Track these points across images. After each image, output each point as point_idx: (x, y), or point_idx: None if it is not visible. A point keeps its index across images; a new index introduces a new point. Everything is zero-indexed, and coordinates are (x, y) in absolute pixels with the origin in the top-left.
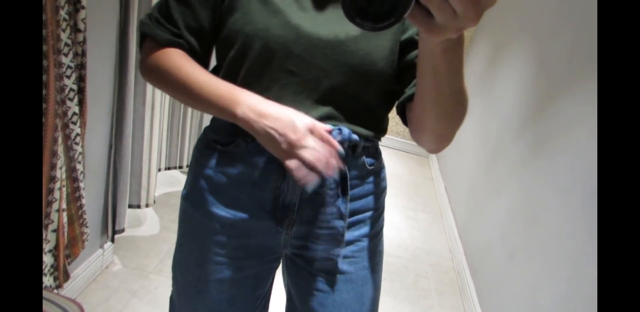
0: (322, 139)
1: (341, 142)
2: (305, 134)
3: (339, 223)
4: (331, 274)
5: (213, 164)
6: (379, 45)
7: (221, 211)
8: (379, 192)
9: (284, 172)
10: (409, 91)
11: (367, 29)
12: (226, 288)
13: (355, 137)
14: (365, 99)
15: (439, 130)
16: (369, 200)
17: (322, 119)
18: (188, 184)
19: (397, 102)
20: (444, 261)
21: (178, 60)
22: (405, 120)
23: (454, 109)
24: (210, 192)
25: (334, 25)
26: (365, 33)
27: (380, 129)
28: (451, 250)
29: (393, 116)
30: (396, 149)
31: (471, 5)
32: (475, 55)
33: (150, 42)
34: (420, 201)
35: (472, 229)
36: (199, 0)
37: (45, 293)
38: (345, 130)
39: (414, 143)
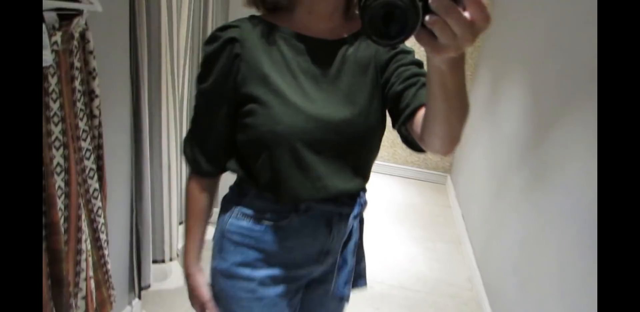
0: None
1: (359, 212)
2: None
3: (352, 260)
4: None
5: (267, 238)
6: (371, 110)
7: (275, 272)
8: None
9: (331, 226)
10: (406, 113)
11: (382, 45)
12: None
13: (365, 198)
14: (369, 160)
15: (451, 133)
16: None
17: (355, 190)
18: (230, 259)
19: (396, 126)
20: (463, 291)
21: (188, 208)
22: (405, 140)
23: (461, 113)
24: (264, 261)
25: (338, 107)
26: (363, 106)
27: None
28: (470, 279)
29: (405, 147)
30: (412, 179)
31: (468, 28)
32: (478, 87)
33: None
34: (439, 231)
35: (489, 257)
36: (211, 129)
37: None
38: (364, 199)
39: (430, 171)
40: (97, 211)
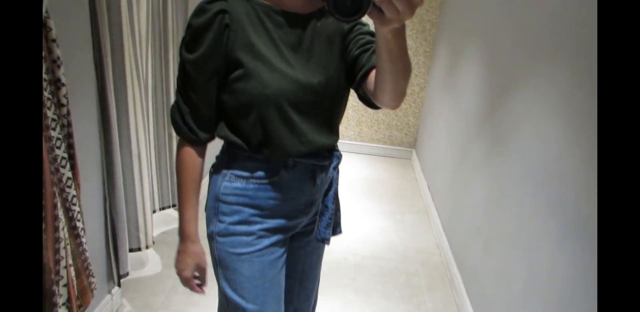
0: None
1: (337, 164)
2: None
3: (332, 206)
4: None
5: (260, 195)
6: (340, 74)
7: (269, 224)
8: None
9: (315, 178)
10: (361, 73)
11: (345, 22)
12: (275, 265)
13: (340, 152)
14: (339, 118)
15: (397, 89)
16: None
17: (332, 144)
18: (227, 220)
19: (354, 85)
20: (432, 256)
21: (184, 177)
22: (361, 98)
23: (405, 72)
24: (259, 216)
25: (315, 72)
26: (333, 71)
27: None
28: (439, 246)
29: (371, 125)
30: (379, 156)
31: (407, 5)
32: (437, 62)
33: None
34: (406, 203)
35: (455, 223)
36: (202, 97)
37: None
38: (339, 152)
39: (396, 147)
40: (71, 200)
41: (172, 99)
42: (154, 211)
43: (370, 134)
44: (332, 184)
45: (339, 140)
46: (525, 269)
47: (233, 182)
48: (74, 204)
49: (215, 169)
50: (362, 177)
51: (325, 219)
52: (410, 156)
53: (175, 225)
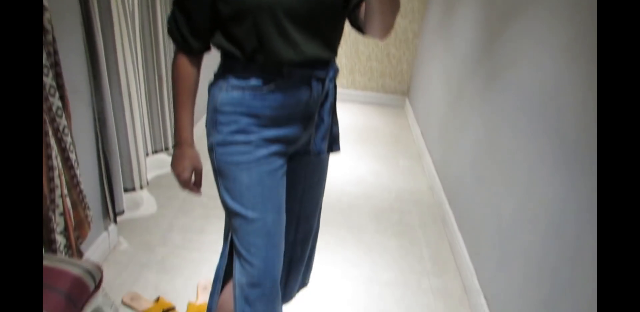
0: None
1: (333, 76)
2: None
3: (328, 118)
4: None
5: (257, 104)
6: None
7: (266, 134)
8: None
9: (311, 88)
10: (354, 2)
11: None
12: (274, 175)
13: (337, 65)
14: (336, 37)
15: (385, 24)
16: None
17: (327, 57)
18: (225, 130)
19: (348, 12)
20: (425, 197)
21: (178, 84)
22: (353, 23)
23: (392, 8)
24: (256, 125)
25: None
26: None
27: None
28: (431, 187)
29: (364, 73)
30: (372, 104)
31: None
32: (431, 7)
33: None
34: (400, 149)
35: (448, 165)
36: (196, 4)
37: (69, 259)
38: (335, 65)
39: (389, 95)
40: (63, 130)
41: (161, 37)
42: (147, 154)
43: (363, 82)
44: (329, 96)
45: None
46: (517, 197)
47: (230, 92)
48: (66, 135)
49: (213, 84)
50: (355, 125)
51: (321, 131)
52: (403, 104)
53: (169, 169)
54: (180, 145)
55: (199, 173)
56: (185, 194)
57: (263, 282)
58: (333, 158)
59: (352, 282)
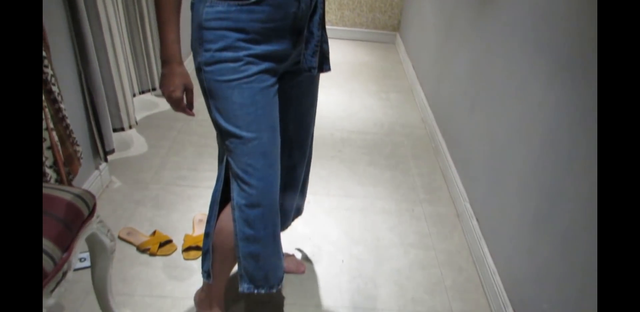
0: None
1: None
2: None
3: (318, 32)
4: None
5: (243, 17)
6: None
7: (255, 50)
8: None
9: (299, 2)
10: None
11: None
12: (267, 93)
13: None
14: None
15: None
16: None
17: None
18: (212, 47)
19: None
20: (417, 129)
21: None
22: None
23: None
24: (245, 40)
25: None
26: None
27: None
28: (423, 119)
29: (354, 8)
30: (362, 40)
31: None
32: None
33: None
34: (391, 83)
35: (439, 95)
36: None
37: (61, 186)
38: None
39: (379, 31)
40: (43, 61)
41: None
42: (134, 95)
43: (353, 18)
44: (317, 9)
45: None
46: (511, 118)
47: (214, 6)
48: (46, 66)
49: (195, 0)
50: (346, 62)
51: (311, 47)
52: (394, 40)
53: (157, 110)
54: (169, 63)
55: (190, 91)
56: (175, 134)
57: (262, 203)
58: (325, 95)
59: (347, 212)
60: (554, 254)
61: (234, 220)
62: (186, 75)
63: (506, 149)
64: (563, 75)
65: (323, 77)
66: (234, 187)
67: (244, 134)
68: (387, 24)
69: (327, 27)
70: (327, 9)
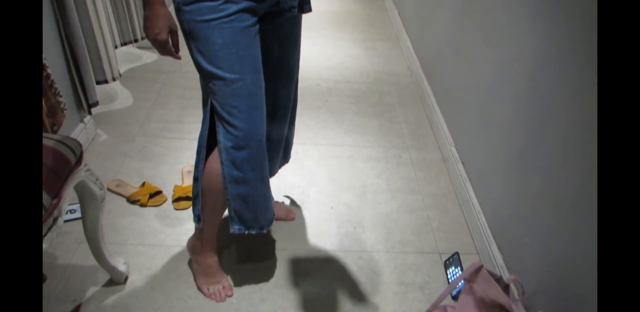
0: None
1: None
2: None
3: None
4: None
5: None
6: None
7: None
8: None
9: None
10: None
11: None
12: (247, 33)
13: None
14: None
15: None
16: None
17: None
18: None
19: None
20: (404, 78)
21: None
22: None
23: None
24: None
25: None
26: None
27: None
28: (409, 67)
29: None
30: None
31: None
32: None
33: None
34: (377, 31)
35: (425, 42)
36: None
37: (46, 134)
38: None
39: None
40: None
41: None
42: (116, 47)
43: None
44: None
45: None
46: (496, 56)
47: None
48: None
49: None
50: (332, 10)
51: None
52: None
53: (140, 62)
54: (151, 4)
55: (175, 33)
56: (160, 86)
57: (249, 144)
58: (310, 45)
59: (335, 160)
60: (536, 190)
61: (222, 162)
62: (170, 16)
63: (492, 91)
64: (545, 12)
65: (309, 27)
66: (219, 129)
67: (226, 75)
68: None
69: None
70: None
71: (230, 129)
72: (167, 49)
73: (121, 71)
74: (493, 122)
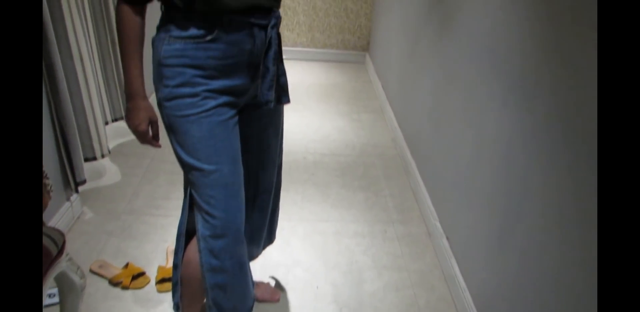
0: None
1: (275, 23)
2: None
3: (273, 67)
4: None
5: (200, 54)
6: None
7: (212, 85)
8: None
9: (254, 37)
10: None
11: None
12: (225, 125)
13: (279, 14)
14: None
15: None
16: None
17: (268, 5)
18: (171, 83)
19: None
20: (388, 149)
21: (124, 34)
22: None
23: None
24: (202, 76)
25: None
26: None
27: None
28: (394, 139)
29: (323, 30)
30: (333, 61)
31: None
32: None
33: None
34: (362, 103)
35: (408, 115)
36: None
37: None
38: (277, 13)
39: (349, 51)
40: None
41: (110, 0)
42: (106, 123)
43: (323, 40)
44: (272, 45)
45: (292, 48)
46: (473, 136)
47: (172, 44)
48: None
49: (156, 37)
50: (318, 83)
51: (266, 81)
52: (364, 59)
53: (130, 137)
54: (133, 97)
55: (155, 124)
56: (148, 162)
57: (226, 233)
58: (297, 117)
59: (321, 236)
60: (516, 270)
61: (200, 251)
62: (150, 108)
63: (471, 169)
64: (515, 98)
65: (297, 99)
66: (198, 219)
67: (204, 166)
68: (357, 44)
69: (299, 49)
70: (298, 31)
71: (208, 218)
72: (147, 139)
73: (110, 146)
74: (473, 199)
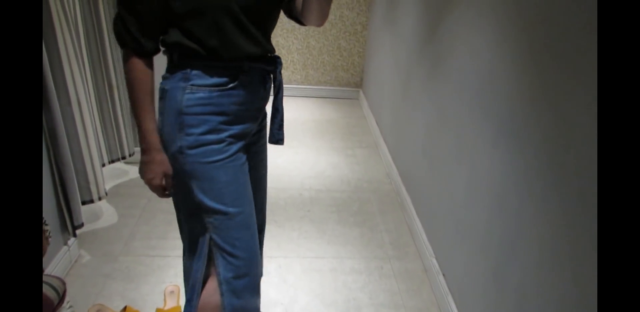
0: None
1: (281, 67)
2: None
3: (282, 109)
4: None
5: (224, 101)
6: None
7: (234, 130)
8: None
9: (265, 82)
10: None
11: None
12: (244, 169)
13: (281, 59)
14: (273, 28)
15: (323, 9)
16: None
17: (273, 50)
18: (196, 131)
19: (283, 5)
20: (383, 185)
21: (138, 88)
22: (291, 16)
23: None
24: (225, 123)
25: None
26: None
27: None
28: (389, 174)
29: (317, 68)
30: (327, 98)
31: None
32: (376, 5)
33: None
34: (356, 139)
35: (401, 151)
36: (146, 4)
37: None
38: (280, 59)
39: (343, 88)
40: None
41: (107, 44)
42: (103, 165)
43: (317, 77)
44: (281, 88)
45: (287, 85)
46: (466, 175)
47: (195, 93)
48: None
49: (169, 87)
50: (313, 119)
51: (277, 121)
52: (358, 95)
53: (127, 178)
54: (149, 151)
55: (169, 177)
56: (145, 202)
57: (249, 272)
58: (292, 154)
59: (318, 273)
60: (513, 306)
61: (222, 294)
62: (166, 162)
63: (465, 206)
64: (505, 140)
65: (292, 136)
66: (219, 262)
67: (230, 210)
68: (350, 81)
69: (293, 86)
70: (292, 69)
71: (231, 259)
72: (161, 193)
73: (107, 188)
74: (468, 236)
